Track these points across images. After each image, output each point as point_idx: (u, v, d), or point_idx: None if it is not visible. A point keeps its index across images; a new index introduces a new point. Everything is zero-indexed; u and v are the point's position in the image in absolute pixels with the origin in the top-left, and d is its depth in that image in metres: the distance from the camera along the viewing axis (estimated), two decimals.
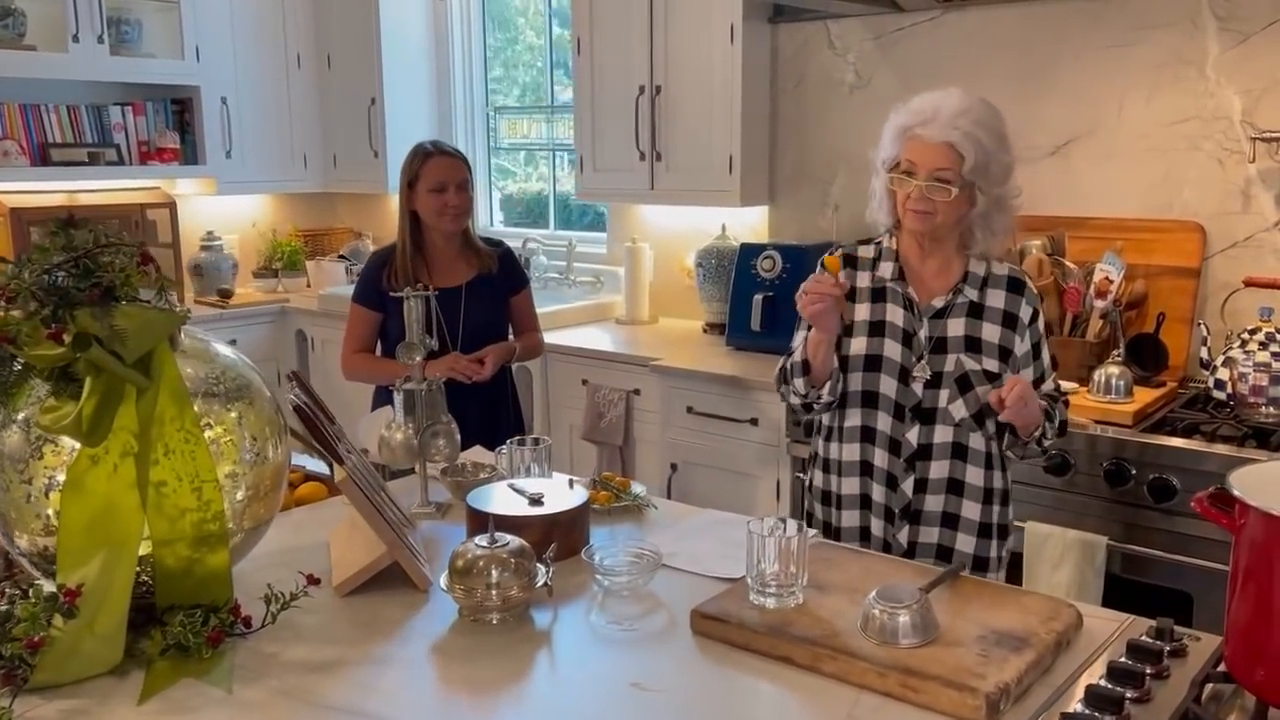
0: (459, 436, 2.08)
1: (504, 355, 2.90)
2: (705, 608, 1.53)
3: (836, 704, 1.33)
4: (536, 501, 1.81)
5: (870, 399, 2.06)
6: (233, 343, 1.71)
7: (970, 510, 2.05)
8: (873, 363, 2.05)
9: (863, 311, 2.08)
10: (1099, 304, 2.89)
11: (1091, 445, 2.54)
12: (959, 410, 2.01)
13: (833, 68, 3.63)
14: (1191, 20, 2.92)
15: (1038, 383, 2.05)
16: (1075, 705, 1.27)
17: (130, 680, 1.39)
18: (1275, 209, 2.85)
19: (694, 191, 3.74)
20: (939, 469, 2.04)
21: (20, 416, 1.43)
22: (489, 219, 5.07)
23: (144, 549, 1.44)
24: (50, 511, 1.42)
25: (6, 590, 1.51)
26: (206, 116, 4.70)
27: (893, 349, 2.04)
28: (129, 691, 1.37)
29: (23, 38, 4.20)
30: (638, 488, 2.10)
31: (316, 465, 2.24)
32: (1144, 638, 1.42)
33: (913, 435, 2.04)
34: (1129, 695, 1.28)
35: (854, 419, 2.09)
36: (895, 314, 2.06)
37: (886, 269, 2.08)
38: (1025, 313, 2.04)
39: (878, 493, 2.08)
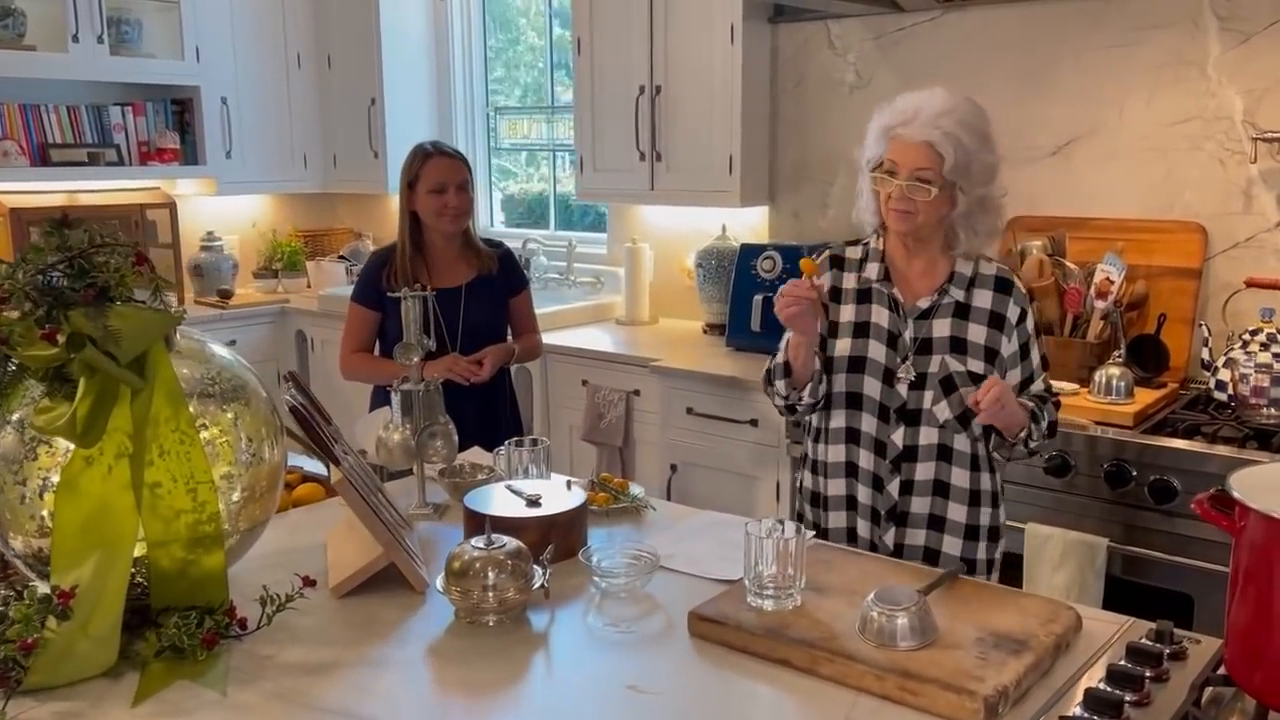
0: (457, 437, 2.07)
1: (503, 357, 2.89)
2: (703, 610, 1.53)
3: (834, 707, 1.32)
4: (534, 503, 1.81)
5: (854, 400, 2.06)
6: (232, 343, 1.71)
7: (956, 513, 2.04)
8: (856, 364, 2.05)
9: (848, 313, 2.07)
10: (1100, 305, 2.88)
11: (1092, 446, 2.53)
12: (943, 412, 2.00)
13: (833, 68, 3.62)
14: (1193, 20, 2.91)
15: (1027, 383, 2.03)
16: (1074, 708, 1.27)
17: (124, 682, 1.39)
18: (1277, 209, 2.84)
19: (694, 192, 3.73)
20: (924, 471, 2.03)
21: (15, 417, 1.43)
22: (489, 219, 5.06)
23: (139, 550, 1.44)
24: (45, 513, 1.42)
25: (1, 592, 1.51)
26: (206, 117, 4.69)
27: (877, 350, 2.04)
28: (123, 694, 1.36)
29: (23, 38, 4.20)
30: (636, 489, 2.10)
31: (314, 466, 2.23)
32: (1143, 640, 1.42)
33: (898, 437, 2.03)
34: (1128, 698, 1.27)
35: (839, 420, 2.08)
36: (880, 315, 2.05)
37: (872, 270, 2.07)
38: (1013, 313, 2.02)
39: (863, 494, 2.07)
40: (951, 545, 2.05)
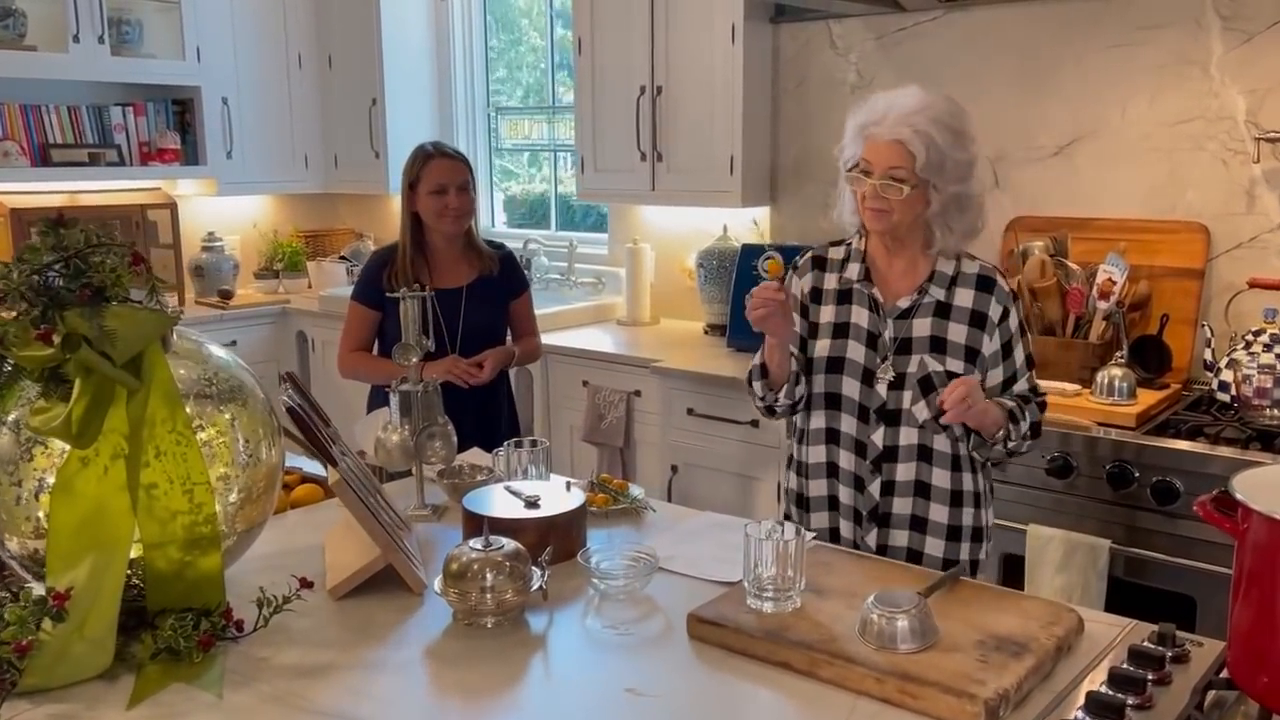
0: (455, 438, 2.06)
1: (503, 359, 2.89)
2: (702, 612, 1.52)
3: (834, 710, 1.31)
4: (533, 504, 1.80)
5: (834, 401, 2.05)
6: (233, 344, 1.70)
7: (938, 513, 2.03)
8: (835, 365, 2.04)
9: (828, 313, 2.07)
10: (1102, 305, 2.87)
11: (1094, 448, 2.52)
12: (921, 412, 1.99)
13: (834, 68, 3.62)
14: (1195, 20, 2.90)
15: (1009, 383, 2.01)
16: (1076, 712, 1.26)
17: (120, 685, 1.38)
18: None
19: (695, 192, 3.73)
20: (905, 471, 2.02)
21: (10, 418, 1.42)
22: (491, 220, 5.06)
23: (135, 552, 1.43)
24: (40, 514, 1.41)
25: None
26: (207, 117, 4.69)
27: (856, 350, 2.03)
28: (118, 696, 1.36)
29: (23, 38, 4.20)
30: (635, 490, 2.09)
31: (314, 467, 2.22)
32: (1146, 643, 1.41)
33: (878, 437, 2.02)
34: (1130, 702, 1.26)
35: (819, 421, 2.08)
36: (860, 315, 2.05)
37: (853, 270, 2.07)
38: (995, 311, 2.00)
39: (845, 495, 2.07)
40: (934, 546, 2.03)
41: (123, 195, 4.55)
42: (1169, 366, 2.86)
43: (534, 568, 1.60)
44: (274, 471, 1.61)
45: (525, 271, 3.18)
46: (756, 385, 2.10)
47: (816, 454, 2.09)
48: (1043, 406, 2.05)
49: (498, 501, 1.82)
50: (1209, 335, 2.75)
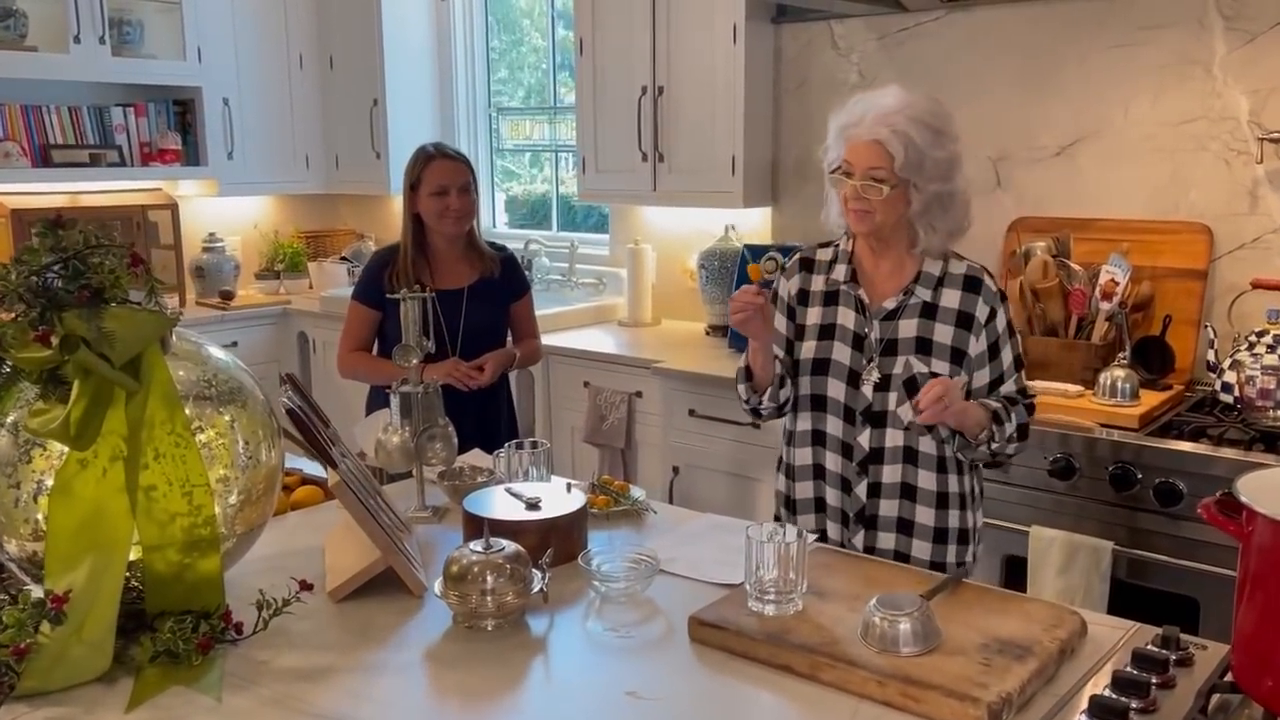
0: (456, 440, 2.06)
1: (504, 362, 2.88)
2: (703, 614, 1.51)
3: (836, 713, 1.31)
4: (533, 506, 1.79)
5: (819, 403, 2.05)
6: (234, 345, 1.70)
7: (924, 515, 2.02)
8: (821, 366, 2.04)
9: (814, 315, 2.07)
10: (1104, 306, 2.86)
11: (1097, 449, 2.51)
12: (906, 414, 1.98)
13: (836, 68, 3.61)
14: (1198, 20, 2.89)
15: (996, 384, 2.00)
16: (1079, 716, 1.26)
17: (119, 688, 1.38)
18: None
19: (696, 193, 3.72)
20: (891, 473, 2.01)
21: (9, 420, 1.42)
22: (492, 221, 5.06)
23: (134, 554, 1.42)
24: (39, 516, 1.41)
25: None
26: (208, 117, 4.69)
27: (841, 352, 2.03)
28: (117, 699, 1.35)
29: (24, 39, 4.20)
30: (636, 492, 2.09)
31: (315, 469, 2.21)
32: (1150, 646, 1.40)
33: (864, 439, 2.02)
34: (1134, 705, 1.26)
35: (805, 423, 2.08)
36: (846, 317, 2.04)
37: (840, 271, 2.07)
38: (982, 312, 1.99)
39: (832, 496, 2.06)
40: (921, 549, 2.03)
41: (123, 196, 4.54)
42: (1172, 368, 2.85)
43: (534, 570, 1.59)
44: (274, 473, 1.60)
45: (526, 273, 3.18)
46: (741, 388, 2.11)
47: (803, 456, 2.09)
48: (1031, 409, 2.03)
49: (498, 503, 1.82)
50: (1212, 336, 2.75)
